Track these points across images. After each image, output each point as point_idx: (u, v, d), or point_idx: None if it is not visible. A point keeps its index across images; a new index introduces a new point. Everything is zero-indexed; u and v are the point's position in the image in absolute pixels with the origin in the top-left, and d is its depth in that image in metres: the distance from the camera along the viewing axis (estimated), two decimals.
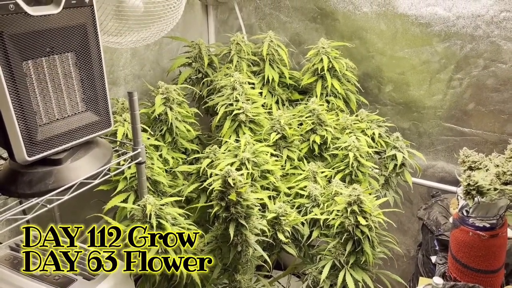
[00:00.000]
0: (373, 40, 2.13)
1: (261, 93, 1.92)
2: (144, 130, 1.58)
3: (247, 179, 1.41)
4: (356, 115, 1.91)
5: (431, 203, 1.95)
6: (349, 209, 1.36)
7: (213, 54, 2.01)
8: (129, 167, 1.48)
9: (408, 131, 2.22)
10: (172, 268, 1.30)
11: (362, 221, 1.34)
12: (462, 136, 2.11)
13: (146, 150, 1.54)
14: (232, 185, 1.25)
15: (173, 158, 1.67)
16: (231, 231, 1.25)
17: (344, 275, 1.37)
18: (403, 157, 1.83)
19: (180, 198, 1.44)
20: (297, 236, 1.52)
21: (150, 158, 1.55)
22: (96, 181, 1.16)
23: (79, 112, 1.18)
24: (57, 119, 1.13)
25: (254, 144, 1.52)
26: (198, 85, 2.00)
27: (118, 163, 1.28)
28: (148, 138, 1.58)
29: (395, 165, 1.84)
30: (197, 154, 1.70)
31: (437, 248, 1.74)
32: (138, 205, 1.28)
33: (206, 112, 2.05)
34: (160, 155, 1.62)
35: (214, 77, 1.92)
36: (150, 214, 1.25)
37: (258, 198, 1.38)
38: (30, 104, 1.05)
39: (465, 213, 1.45)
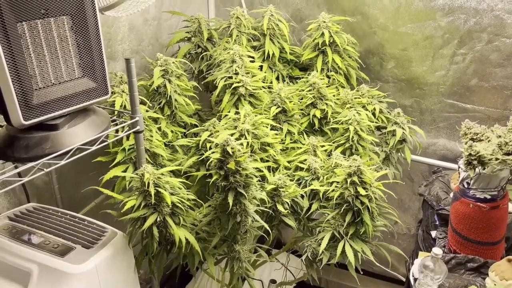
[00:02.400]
0: (375, 15, 2.10)
1: (261, 68, 1.90)
2: (142, 103, 1.56)
3: (246, 149, 1.40)
4: (357, 90, 1.89)
5: (432, 179, 1.94)
6: (349, 180, 1.35)
7: (213, 28, 1.99)
8: (128, 138, 1.47)
9: (410, 108, 2.20)
10: (171, 235, 1.29)
11: (362, 191, 1.33)
12: (464, 113, 2.09)
13: (144, 122, 1.53)
14: (231, 154, 1.24)
15: (172, 132, 1.65)
16: (230, 200, 1.25)
17: (344, 246, 1.36)
18: (403, 132, 1.82)
19: (178, 168, 1.43)
20: (297, 208, 1.51)
21: (149, 130, 1.54)
22: (93, 148, 1.15)
23: (75, 78, 1.16)
24: (53, 84, 1.11)
25: (254, 116, 1.50)
26: (198, 61, 1.98)
27: (116, 131, 1.26)
28: (147, 111, 1.57)
29: (396, 141, 1.82)
30: (196, 128, 1.68)
31: (437, 223, 1.73)
32: (137, 173, 1.27)
33: (206, 89, 2.03)
34: (159, 128, 1.61)
35: (213, 51, 1.90)
36: (148, 183, 1.24)
37: (257, 168, 1.37)
38: (26, 67, 1.04)
39: (466, 185, 1.44)
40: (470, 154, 1.29)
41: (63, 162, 1.08)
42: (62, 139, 1.11)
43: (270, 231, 1.37)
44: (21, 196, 1.58)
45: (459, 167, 1.48)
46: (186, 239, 1.30)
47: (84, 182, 1.66)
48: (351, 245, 1.36)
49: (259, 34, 1.97)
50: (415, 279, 1.37)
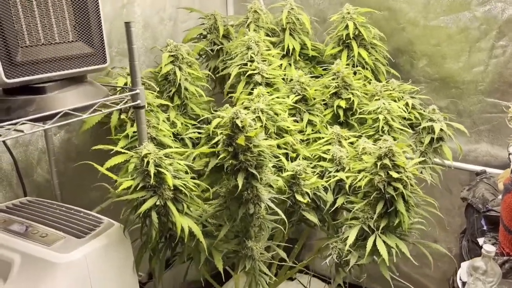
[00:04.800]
0: (403, 10, 1.95)
1: (280, 66, 1.76)
2: (150, 89, 1.44)
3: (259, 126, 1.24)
4: (385, 85, 1.72)
5: (476, 181, 1.71)
6: (378, 164, 1.17)
7: (229, 24, 1.89)
8: (132, 124, 1.34)
9: (446, 110, 2.00)
10: (173, 225, 1.13)
11: (395, 175, 1.13)
12: None
13: (152, 109, 1.41)
14: (241, 128, 1.09)
15: (182, 124, 1.52)
16: (240, 181, 1.08)
17: (374, 241, 1.15)
18: (441, 129, 1.62)
19: (184, 150, 1.28)
20: (320, 203, 1.32)
21: (156, 117, 1.41)
22: (85, 116, 1.02)
23: (69, 41, 1.06)
24: (43, 43, 1.01)
25: (269, 96, 1.35)
26: (213, 59, 1.87)
27: (114, 104, 1.14)
28: (157, 97, 1.44)
29: (432, 138, 1.62)
30: (207, 115, 1.54)
31: (484, 228, 1.49)
32: (136, 152, 1.12)
33: (221, 89, 1.91)
34: (168, 118, 1.47)
35: (230, 45, 1.78)
36: (148, 162, 1.09)
37: (273, 154, 1.19)
38: (11, 20, 0.94)
39: None
40: None
41: (48, 126, 0.96)
42: (49, 102, 0.99)
43: (286, 223, 1.18)
44: (18, 190, 1.45)
45: (509, 154, 1.26)
46: (190, 231, 1.13)
47: (87, 191, 1.54)
48: (383, 241, 1.15)
49: (278, 30, 1.86)
50: (463, 283, 1.13)
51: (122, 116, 1.35)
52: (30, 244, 1.09)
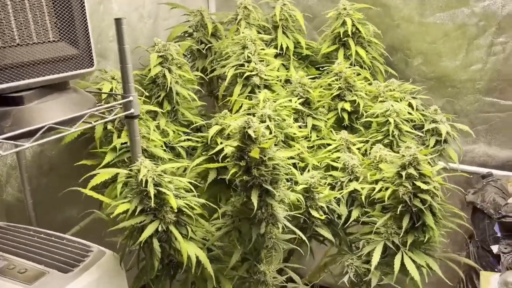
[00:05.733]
0: (398, 6, 1.87)
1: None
2: (138, 93, 1.28)
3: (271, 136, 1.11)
4: (387, 85, 1.62)
5: (482, 185, 1.65)
6: (403, 173, 1.06)
7: (218, 22, 1.74)
8: (119, 135, 1.18)
9: (442, 110, 1.90)
10: (176, 252, 0.98)
11: (423, 186, 1.03)
12: (507, 111, 1.82)
13: (141, 117, 1.25)
14: (254, 139, 0.95)
15: (174, 132, 1.36)
16: (254, 200, 0.94)
17: (402, 259, 1.04)
18: (447, 132, 1.53)
19: (182, 165, 1.13)
20: (333, 217, 1.20)
21: (146, 126, 1.25)
22: (73, 130, 0.86)
23: (49, 41, 0.89)
24: (18, 44, 0.84)
25: (274, 101, 1.22)
26: (201, 59, 1.72)
27: (104, 113, 0.97)
28: (144, 103, 1.28)
29: (437, 141, 1.54)
30: (202, 122, 1.40)
31: (498, 234, 1.42)
32: (131, 170, 0.97)
33: (210, 93, 1.77)
34: (157, 127, 1.32)
35: (220, 44, 1.64)
36: (146, 181, 0.94)
37: (288, 159, 1.07)
38: None
39: None
40: None
41: (29, 145, 0.79)
42: (28, 115, 0.82)
43: (307, 243, 1.05)
44: None
45: None
46: (196, 257, 0.99)
47: (64, 210, 1.36)
48: (411, 258, 1.05)
49: (270, 27, 1.73)
50: None
51: (109, 127, 1.18)
52: (7, 283, 0.91)
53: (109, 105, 0.97)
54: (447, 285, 1.63)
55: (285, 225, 1.00)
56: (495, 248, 1.42)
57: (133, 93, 1.00)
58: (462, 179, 1.96)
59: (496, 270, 1.40)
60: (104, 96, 1.13)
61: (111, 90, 1.17)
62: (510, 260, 1.34)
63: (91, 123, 0.91)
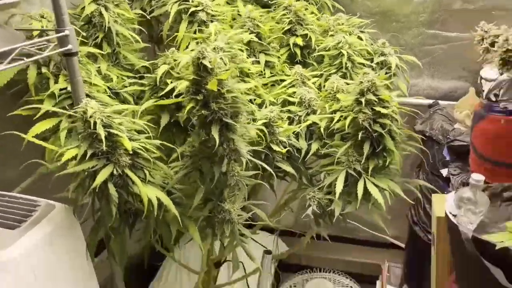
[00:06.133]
0: None
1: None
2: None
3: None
4: (336, 19, 1.59)
5: (429, 114, 1.69)
6: (362, 100, 1.05)
7: None
8: (56, 80, 1.06)
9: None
10: (134, 197, 0.92)
11: (383, 111, 1.02)
12: (449, 42, 1.87)
13: (80, 60, 1.13)
14: (210, 70, 0.89)
15: (117, 77, 1.26)
16: (215, 134, 0.89)
17: (365, 185, 1.05)
18: (396, 64, 1.54)
19: (130, 107, 1.05)
20: (292, 151, 1.18)
21: (87, 70, 1.14)
22: (3, 67, 0.74)
23: None
24: None
25: (226, 34, 1.15)
26: (138, 0, 1.58)
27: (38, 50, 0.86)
28: (82, 44, 1.16)
29: (386, 73, 1.55)
30: (147, 74, 1.30)
31: (447, 158, 1.48)
32: (75, 111, 0.87)
33: (150, 38, 1.65)
34: (98, 71, 1.20)
35: None
36: (95, 122, 0.85)
37: (245, 94, 1.01)
38: None
39: (493, 98, 1.18)
40: (507, 50, 1.02)
41: None
42: None
43: (274, 176, 1.02)
44: None
45: (481, 79, 1.22)
46: (158, 200, 0.93)
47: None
48: (373, 183, 1.06)
49: None
50: (454, 216, 1.09)
51: (44, 70, 1.06)
52: None
53: (42, 39, 0.86)
54: (398, 211, 1.69)
55: (248, 160, 0.96)
56: (444, 172, 1.48)
57: (68, 27, 0.88)
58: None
59: (446, 193, 1.46)
60: (36, 33, 1.00)
61: (42, 27, 1.04)
62: (460, 181, 1.40)
63: (23, 59, 0.80)
